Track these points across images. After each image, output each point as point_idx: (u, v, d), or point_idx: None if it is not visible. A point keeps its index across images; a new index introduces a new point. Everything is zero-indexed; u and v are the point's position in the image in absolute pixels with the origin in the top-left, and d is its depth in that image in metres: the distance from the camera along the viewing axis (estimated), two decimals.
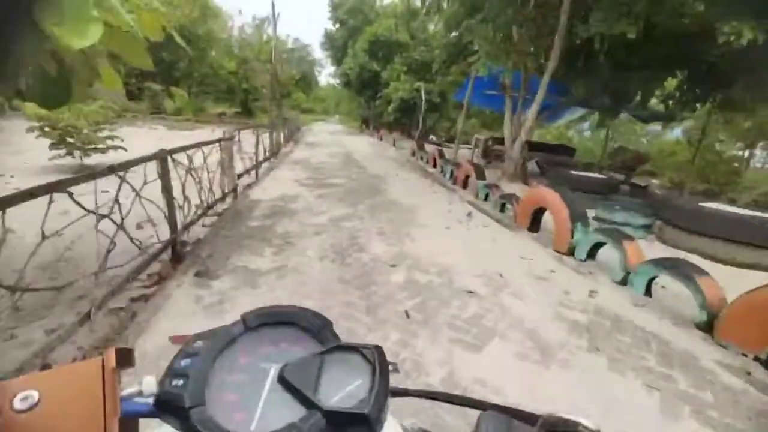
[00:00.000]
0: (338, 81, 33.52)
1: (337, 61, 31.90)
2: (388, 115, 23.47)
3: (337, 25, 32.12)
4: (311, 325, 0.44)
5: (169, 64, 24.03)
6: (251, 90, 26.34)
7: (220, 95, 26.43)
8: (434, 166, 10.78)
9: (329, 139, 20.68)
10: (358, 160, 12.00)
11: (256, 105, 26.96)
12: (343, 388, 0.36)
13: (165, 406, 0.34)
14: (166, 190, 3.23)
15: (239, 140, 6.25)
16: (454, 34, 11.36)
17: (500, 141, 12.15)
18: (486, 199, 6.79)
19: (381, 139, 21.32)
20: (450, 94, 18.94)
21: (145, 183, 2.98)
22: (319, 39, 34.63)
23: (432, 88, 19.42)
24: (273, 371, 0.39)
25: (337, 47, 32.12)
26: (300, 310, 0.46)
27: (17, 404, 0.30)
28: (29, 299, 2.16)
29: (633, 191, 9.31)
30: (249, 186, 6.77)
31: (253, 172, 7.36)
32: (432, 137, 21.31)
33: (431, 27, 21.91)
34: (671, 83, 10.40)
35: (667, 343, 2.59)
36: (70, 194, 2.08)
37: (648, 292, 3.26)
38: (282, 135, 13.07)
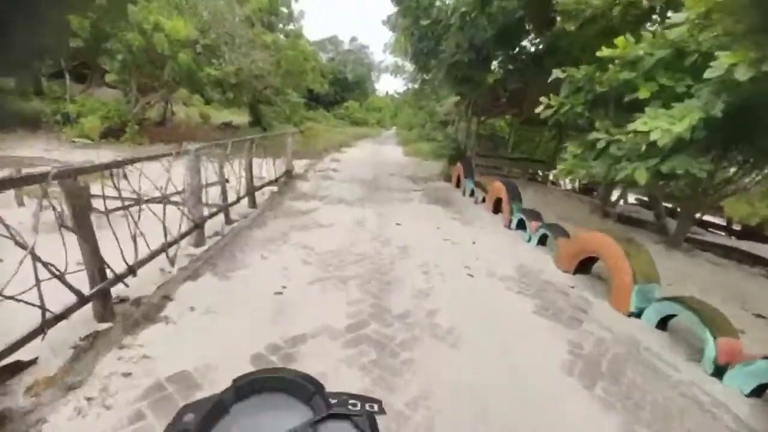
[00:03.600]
0: (397, 75, 13.93)
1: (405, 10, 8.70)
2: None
3: None
4: (303, 392, 0.42)
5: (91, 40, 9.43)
6: (230, 78, 12.38)
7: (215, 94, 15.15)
8: None
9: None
10: None
11: (268, 110, 18.21)
12: None
13: None
14: None
15: None
16: None
17: None
18: None
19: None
20: None
21: None
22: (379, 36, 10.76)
23: None
24: None
25: None
26: (293, 375, 0.43)
27: None
28: None
29: None
30: None
31: None
32: None
33: None
34: None
35: None
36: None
37: None
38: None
